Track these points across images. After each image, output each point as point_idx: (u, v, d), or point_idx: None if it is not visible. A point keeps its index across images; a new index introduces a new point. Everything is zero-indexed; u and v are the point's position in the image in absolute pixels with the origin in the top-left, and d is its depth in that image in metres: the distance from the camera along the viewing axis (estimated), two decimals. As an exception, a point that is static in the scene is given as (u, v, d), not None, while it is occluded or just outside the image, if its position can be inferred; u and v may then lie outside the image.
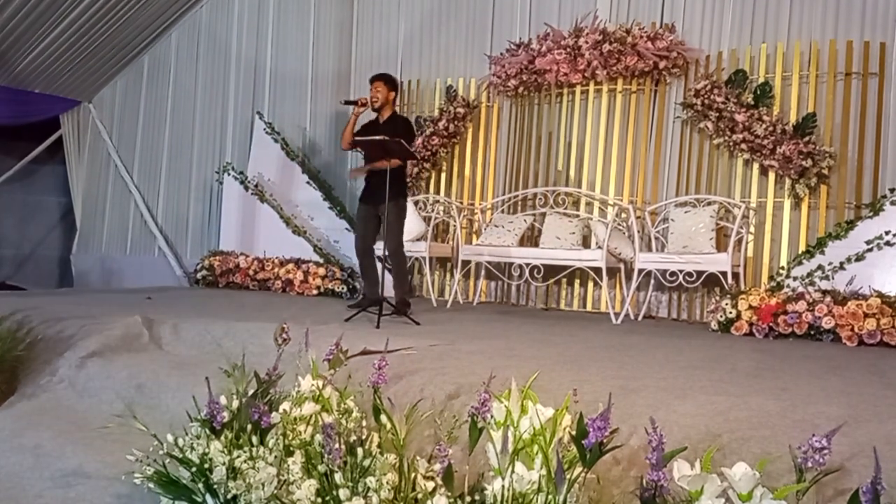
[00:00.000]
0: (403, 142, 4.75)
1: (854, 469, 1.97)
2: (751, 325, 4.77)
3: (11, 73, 8.08)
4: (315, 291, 6.74)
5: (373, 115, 5.45)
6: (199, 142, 8.62)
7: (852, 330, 4.48)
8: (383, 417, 2.29)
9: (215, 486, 2.30)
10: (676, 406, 2.49)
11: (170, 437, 2.44)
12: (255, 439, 2.38)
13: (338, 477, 2.13)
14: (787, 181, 5.54)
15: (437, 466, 2.10)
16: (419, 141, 6.81)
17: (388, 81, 5.38)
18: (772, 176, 5.65)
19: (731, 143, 5.72)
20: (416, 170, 6.92)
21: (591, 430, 1.88)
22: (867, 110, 5.44)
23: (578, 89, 6.45)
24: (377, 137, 4.84)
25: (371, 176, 5.22)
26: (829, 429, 1.85)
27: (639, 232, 5.75)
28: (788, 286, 5.02)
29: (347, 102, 5.35)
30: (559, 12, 6.62)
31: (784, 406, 2.50)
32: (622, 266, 5.93)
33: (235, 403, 2.49)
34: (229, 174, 7.70)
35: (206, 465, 2.33)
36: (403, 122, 5.55)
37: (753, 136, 5.57)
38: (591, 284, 6.27)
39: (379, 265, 5.26)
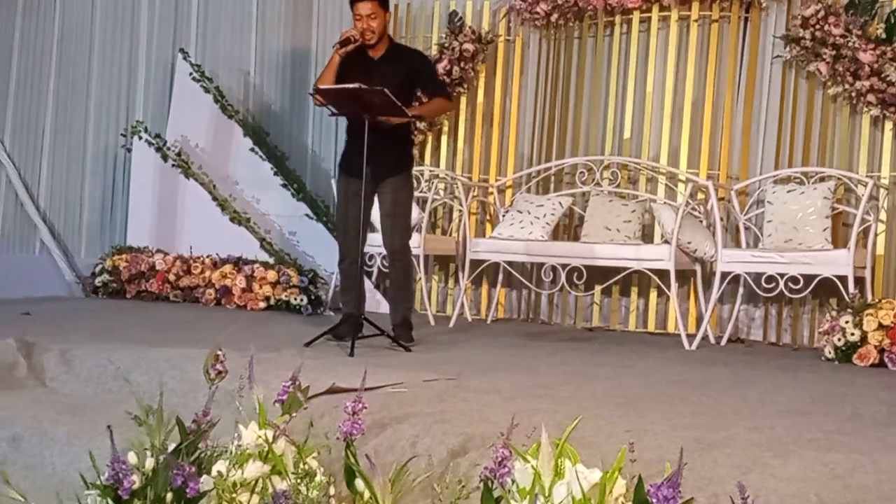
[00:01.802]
0: (388, 92, 4.62)
1: None
2: (881, 351, 4.77)
3: None
4: (263, 304, 6.75)
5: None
6: (98, 94, 8.61)
7: None
8: (359, 483, 2.30)
9: (121, 580, 2.31)
10: (776, 467, 2.49)
11: (57, 511, 2.44)
12: (177, 514, 2.39)
13: (295, 567, 2.13)
14: (933, 148, 5.55)
15: (436, 552, 2.10)
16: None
17: (383, 1, 5.11)
18: (911, 141, 5.66)
19: (852, 94, 5.71)
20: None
21: (654, 499, 1.88)
22: None
23: (636, 17, 6.45)
24: (350, 86, 4.75)
25: (359, 133, 4.87)
26: None
27: (722, 220, 5.75)
28: (935, 297, 5.02)
29: (342, 44, 4.99)
30: None
31: (928, 467, 2.49)
32: (698, 268, 5.93)
33: (150, 463, 2.50)
34: (141, 138, 7.71)
35: (109, 551, 2.34)
36: (417, 57, 5.34)
37: (885, 83, 5.56)
38: (654, 294, 6.27)
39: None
